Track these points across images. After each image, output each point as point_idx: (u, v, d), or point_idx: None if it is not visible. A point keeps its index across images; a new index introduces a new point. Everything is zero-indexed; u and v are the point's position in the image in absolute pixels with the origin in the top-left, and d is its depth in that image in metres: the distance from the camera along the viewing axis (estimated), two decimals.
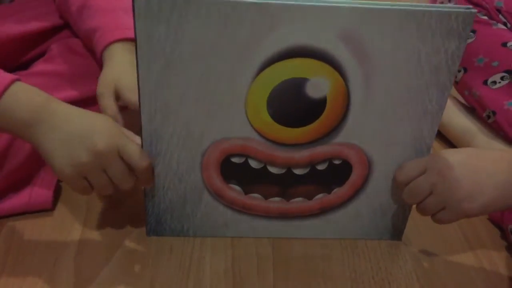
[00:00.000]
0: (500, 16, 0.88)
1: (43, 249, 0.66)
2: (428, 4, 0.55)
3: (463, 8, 0.54)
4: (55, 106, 0.57)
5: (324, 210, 0.68)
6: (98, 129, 0.57)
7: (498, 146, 0.85)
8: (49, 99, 0.57)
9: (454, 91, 0.95)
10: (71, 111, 0.58)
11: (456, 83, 0.91)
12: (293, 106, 0.59)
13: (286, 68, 0.56)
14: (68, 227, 0.69)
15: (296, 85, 0.58)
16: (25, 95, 0.56)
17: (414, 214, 0.68)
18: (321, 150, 0.63)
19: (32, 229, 0.68)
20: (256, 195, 0.66)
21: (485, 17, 0.88)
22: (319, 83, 0.58)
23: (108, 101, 0.66)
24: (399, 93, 0.59)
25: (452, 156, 0.62)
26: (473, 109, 0.91)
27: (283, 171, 0.64)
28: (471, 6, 0.55)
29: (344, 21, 0.54)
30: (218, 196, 0.65)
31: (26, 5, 0.79)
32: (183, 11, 0.52)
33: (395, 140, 0.62)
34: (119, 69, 0.67)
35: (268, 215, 0.68)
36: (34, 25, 0.75)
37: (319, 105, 0.59)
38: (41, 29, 0.76)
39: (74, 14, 0.74)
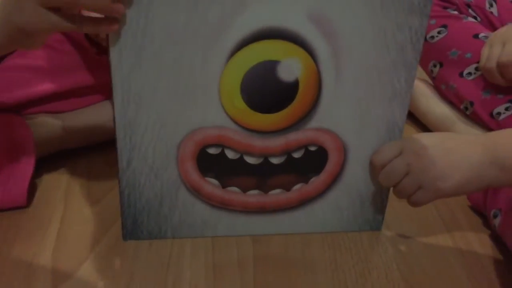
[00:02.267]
0: (470, 10, 0.92)
1: (19, 246, 0.64)
2: None
3: None
4: None
5: (303, 202, 0.67)
6: None
7: (476, 133, 0.87)
8: None
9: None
10: None
11: (434, 78, 0.94)
12: (266, 91, 0.60)
13: (257, 51, 0.57)
14: (45, 224, 0.67)
15: (268, 68, 0.59)
16: None
17: (393, 203, 0.69)
18: (296, 136, 0.63)
19: (7, 226, 0.67)
20: (234, 188, 0.65)
21: (455, 12, 0.91)
22: (291, 65, 0.59)
23: None
24: (368, 73, 0.60)
25: (427, 137, 0.64)
26: (450, 103, 0.93)
27: (260, 160, 0.64)
28: None
29: (313, 1, 0.55)
30: (195, 191, 0.64)
31: None
32: None
33: (368, 122, 0.63)
34: None
35: (247, 210, 0.67)
36: None
37: (292, 89, 0.60)
38: None
39: None
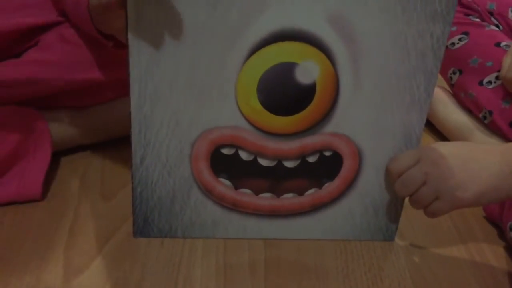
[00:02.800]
0: (492, 18, 0.91)
1: (32, 240, 0.64)
2: None
3: None
4: None
5: (315, 208, 0.67)
6: None
7: (495, 143, 0.85)
8: None
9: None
10: None
11: (453, 85, 0.93)
12: (283, 93, 0.59)
13: (275, 53, 0.57)
14: (58, 218, 0.68)
15: (286, 70, 0.58)
16: None
17: (407, 211, 0.68)
18: (311, 140, 0.62)
19: (21, 219, 0.67)
20: (246, 190, 0.65)
21: (478, 20, 0.90)
22: (309, 68, 0.58)
23: None
24: (387, 79, 0.59)
25: (445, 146, 0.63)
26: (469, 111, 0.92)
27: (274, 163, 0.63)
28: None
29: (333, 3, 0.55)
30: (207, 191, 0.64)
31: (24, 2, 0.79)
32: None
33: (385, 129, 0.62)
34: None
35: (259, 213, 0.66)
36: (30, 20, 0.75)
37: (309, 92, 0.59)
38: (38, 24, 0.76)
39: None
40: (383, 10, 0.56)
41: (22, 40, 0.76)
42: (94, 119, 0.80)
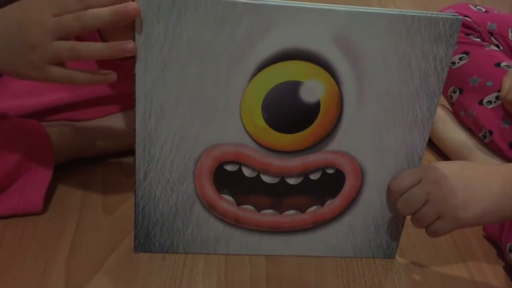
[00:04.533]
0: (493, 38, 0.92)
1: (33, 254, 0.64)
2: (418, 11, 0.57)
3: (450, 14, 0.57)
4: None
5: (317, 225, 0.67)
6: None
7: (495, 162, 0.86)
8: None
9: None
10: None
11: (453, 104, 0.94)
12: (287, 111, 0.60)
13: (281, 71, 0.58)
14: (59, 231, 0.68)
15: (291, 89, 0.59)
16: None
17: (408, 228, 0.68)
18: (314, 158, 0.63)
19: (23, 233, 0.67)
20: (249, 206, 0.65)
21: (478, 39, 0.91)
22: (313, 87, 0.59)
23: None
24: (391, 99, 0.60)
25: (447, 166, 0.63)
26: (469, 130, 0.93)
27: (277, 180, 0.64)
28: (457, 14, 0.57)
29: (339, 24, 0.56)
30: (210, 207, 0.64)
31: None
32: (182, 10, 0.53)
33: (387, 148, 0.63)
34: None
35: (261, 229, 0.67)
36: None
37: (313, 110, 0.60)
38: None
39: None
40: (388, 32, 0.56)
41: None
42: (96, 132, 0.80)
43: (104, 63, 0.76)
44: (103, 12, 0.53)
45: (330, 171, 0.64)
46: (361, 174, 0.64)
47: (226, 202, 0.64)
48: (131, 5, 0.52)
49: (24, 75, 0.57)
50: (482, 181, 0.61)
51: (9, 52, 0.56)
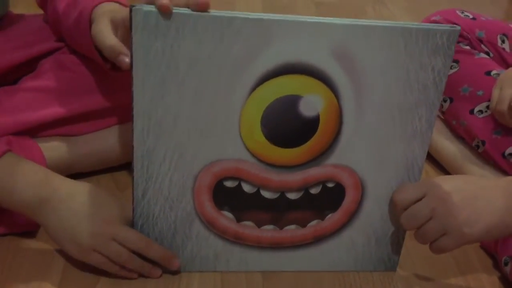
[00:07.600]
0: (482, 46, 0.91)
1: (28, 270, 0.63)
2: (415, 23, 0.57)
3: (447, 26, 0.57)
4: (58, 183, 0.62)
5: (318, 239, 0.66)
6: (99, 211, 0.61)
7: (488, 172, 0.86)
8: (48, 174, 0.62)
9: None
10: (75, 188, 0.62)
11: (443, 113, 0.93)
12: (287, 125, 0.59)
13: (280, 85, 0.57)
14: (54, 247, 0.66)
15: (290, 103, 0.58)
16: (22, 172, 0.60)
17: (406, 241, 0.67)
18: (314, 172, 0.62)
19: (15, 249, 0.66)
20: (248, 222, 0.64)
21: (468, 47, 0.91)
22: (313, 101, 0.58)
23: (108, 34, 0.64)
24: (390, 111, 0.60)
25: (451, 181, 0.63)
26: (462, 138, 0.92)
27: (277, 195, 0.63)
28: (455, 25, 0.57)
29: (337, 37, 0.55)
30: (209, 224, 0.63)
31: (20, 31, 0.79)
32: (181, 26, 0.53)
33: (387, 160, 0.63)
34: (111, 9, 0.66)
35: (260, 246, 0.66)
36: (29, 52, 0.75)
37: (313, 124, 0.60)
38: (35, 55, 0.76)
39: (61, 15, 0.73)
40: (387, 45, 0.56)
41: (19, 69, 0.75)
42: (90, 147, 0.79)
43: (100, 75, 0.76)
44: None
45: (330, 185, 0.63)
46: (361, 187, 0.64)
47: (226, 218, 0.64)
48: None
49: (63, 246, 0.62)
50: (485, 196, 0.61)
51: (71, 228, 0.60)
